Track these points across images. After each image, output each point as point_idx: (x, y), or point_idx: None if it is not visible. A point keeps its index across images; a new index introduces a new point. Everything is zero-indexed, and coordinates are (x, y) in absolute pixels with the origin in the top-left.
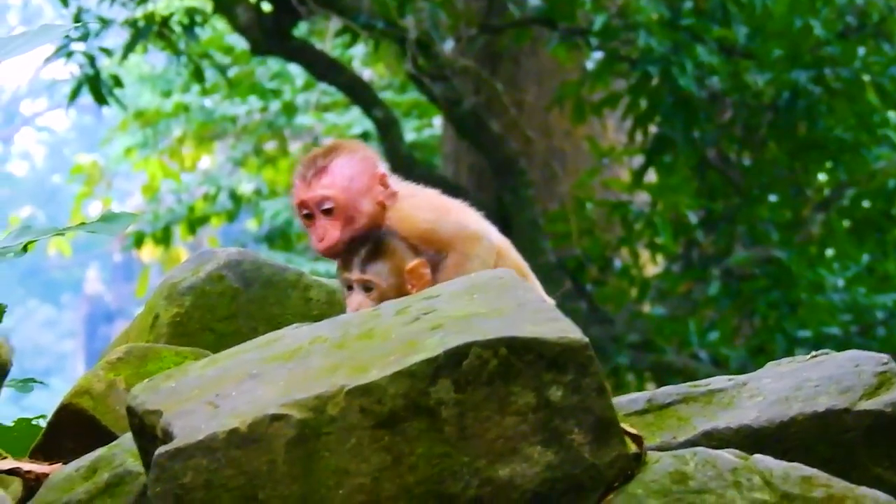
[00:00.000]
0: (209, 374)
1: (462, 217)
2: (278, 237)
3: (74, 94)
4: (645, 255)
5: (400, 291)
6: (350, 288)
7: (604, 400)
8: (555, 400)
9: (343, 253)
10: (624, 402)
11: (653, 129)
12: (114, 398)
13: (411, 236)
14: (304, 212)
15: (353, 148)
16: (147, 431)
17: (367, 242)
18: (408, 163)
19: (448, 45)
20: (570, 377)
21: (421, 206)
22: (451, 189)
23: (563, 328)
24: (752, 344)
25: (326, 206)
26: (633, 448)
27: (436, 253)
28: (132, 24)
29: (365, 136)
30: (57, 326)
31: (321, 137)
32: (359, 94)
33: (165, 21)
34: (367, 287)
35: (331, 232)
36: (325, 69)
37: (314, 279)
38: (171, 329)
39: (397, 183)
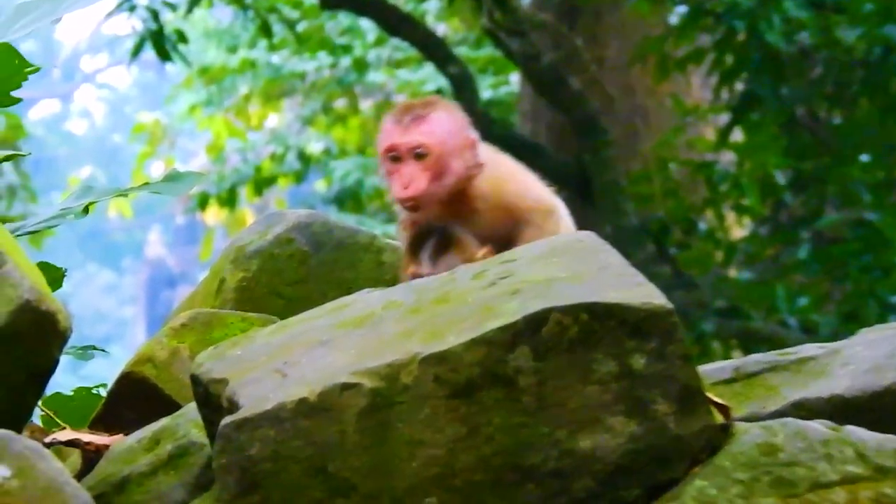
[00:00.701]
0: (277, 342)
1: (540, 189)
2: (349, 199)
3: (137, 49)
4: (731, 217)
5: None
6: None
7: (689, 368)
8: (638, 368)
9: (423, 208)
10: (710, 370)
11: (739, 85)
12: (177, 366)
13: (498, 206)
14: (392, 155)
15: (450, 107)
16: (212, 401)
17: (433, 235)
18: (484, 121)
19: None
20: (654, 344)
21: (507, 175)
22: (530, 148)
23: (646, 293)
24: (844, 310)
25: (420, 151)
26: (719, 419)
27: (512, 226)
28: None
29: (439, 94)
30: (117, 292)
31: (393, 95)
32: (432, 49)
33: None
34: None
35: (419, 180)
36: (397, 23)
37: (387, 242)
38: (237, 294)
39: (483, 150)
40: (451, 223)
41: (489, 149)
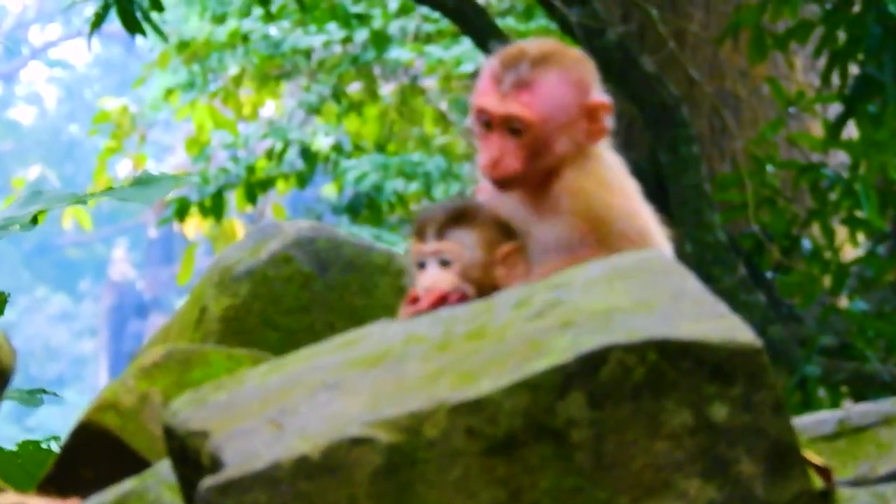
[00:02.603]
0: (272, 384)
1: (644, 216)
2: (364, 207)
3: (99, 19)
4: (842, 232)
5: (485, 274)
6: (422, 267)
7: (781, 420)
8: (718, 419)
9: (512, 187)
10: (809, 423)
11: (854, 68)
12: (147, 415)
13: (584, 212)
14: (484, 119)
15: (570, 63)
16: (190, 458)
17: (448, 205)
18: None
19: None
20: (739, 390)
21: (609, 180)
22: None
23: (730, 327)
24: None
25: (516, 126)
26: (818, 483)
27: (593, 246)
28: None
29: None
30: (73, 321)
31: (420, 77)
32: (470, 21)
33: None
34: (443, 261)
35: (510, 159)
36: None
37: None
38: (222, 325)
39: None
40: (525, 215)
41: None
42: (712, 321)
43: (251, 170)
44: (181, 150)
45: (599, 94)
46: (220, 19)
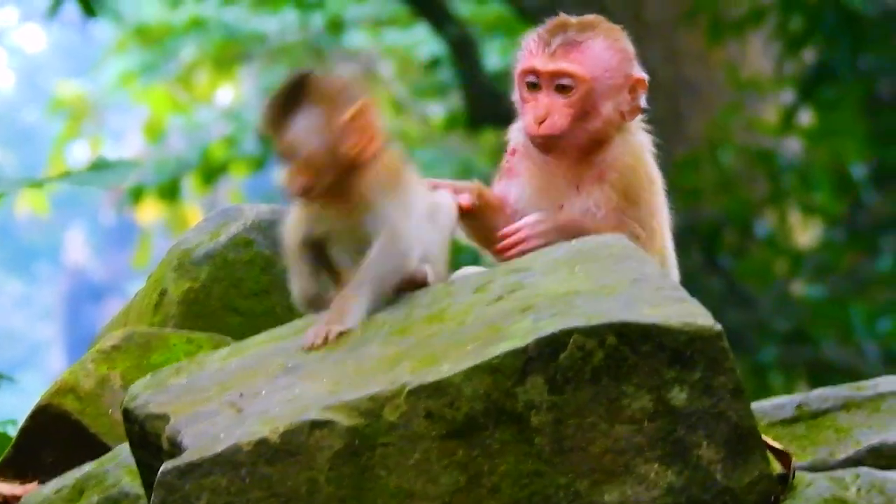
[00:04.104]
0: (232, 368)
1: (663, 221)
2: None
3: (56, 4)
4: (797, 218)
5: (336, 154)
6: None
7: (741, 405)
8: (678, 404)
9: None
10: (768, 408)
11: (809, 55)
12: (107, 398)
13: (616, 182)
14: (530, 80)
15: (616, 32)
16: (150, 441)
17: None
18: (490, 96)
19: None
20: (699, 375)
21: (649, 162)
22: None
23: (690, 311)
24: None
25: (565, 82)
26: (777, 467)
27: (607, 220)
28: None
29: (434, 63)
30: (29, 306)
31: (376, 62)
32: (426, 5)
33: None
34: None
35: (558, 116)
36: None
37: None
38: (182, 309)
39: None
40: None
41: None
42: (672, 305)
43: (207, 154)
44: (138, 135)
45: (640, 71)
46: (176, 4)
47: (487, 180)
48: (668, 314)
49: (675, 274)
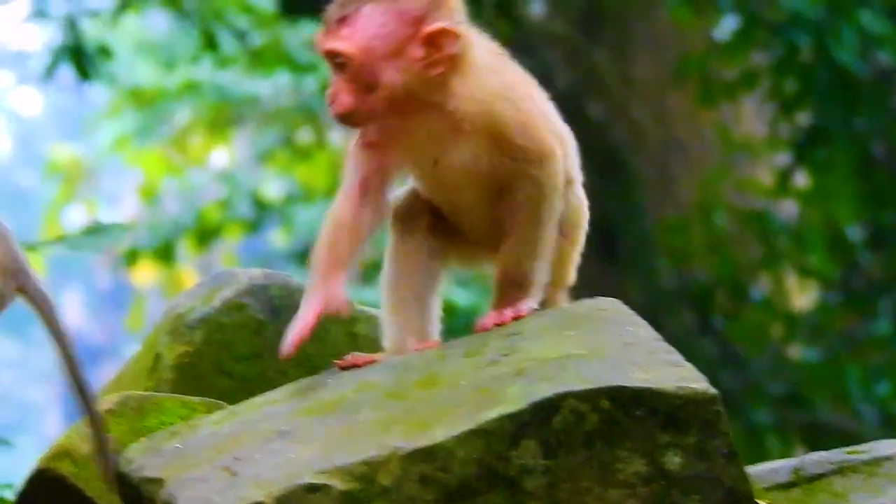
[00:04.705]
0: (225, 432)
1: (546, 125)
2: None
3: (51, 67)
4: (792, 280)
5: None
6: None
7: (736, 469)
8: (672, 468)
9: (366, 123)
10: (763, 472)
11: (803, 117)
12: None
13: (487, 133)
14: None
15: None
16: None
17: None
18: None
19: (536, 6)
20: (693, 439)
21: (509, 94)
22: None
23: (683, 375)
24: None
25: (339, 61)
26: None
27: (506, 170)
28: None
29: None
30: (24, 368)
31: None
32: None
33: None
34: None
35: (342, 95)
36: None
37: (361, 310)
38: (176, 373)
39: (479, 45)
40: (426, 149)
41: (499, 53)
42: (665, 369)
43: (202, 217)
44: (132, 198)
45: (446, 22)
46: (170, 67)
47: None
48: (662, 378)
49: (572, 145)
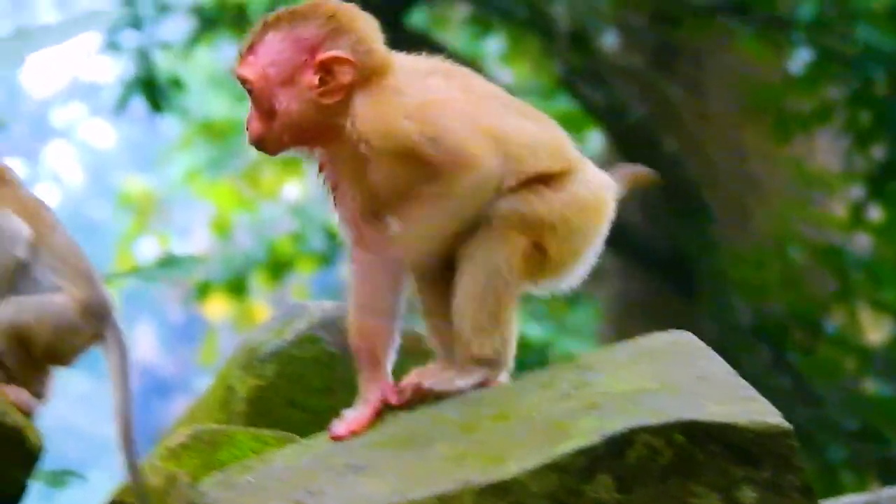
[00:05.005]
0: (299, 465)
1: (464, 133)
2: None
3: (123, 100)
4: (866, 315)
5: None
6: None
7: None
8: (747, 503)
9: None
10: None
11: (877, 149)
12: (175, 496)
13: (384, 148)
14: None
15: (298, 21)
16: None
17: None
18: None
19: (610, 39)
20: (767, 473)
21: (416, 108)
22: (613, 227)
23: (758, 409)
24: None
25: (247, 87)
26: None
27: (416, 174)
28: (199, 10)
29: None
30: (95, 402)
31: None
32: None
33: (242, 7)
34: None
35: (252, 122)
36: None
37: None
38: (249, 406)
39: (393, 67)
40: (348, 173)
41: (420, 72)
42: (740, 403)
43: (274, 251)
44: (204, 231)
45: (338, 51)
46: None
47: None
48: (736, 412)
49: (526, 131)
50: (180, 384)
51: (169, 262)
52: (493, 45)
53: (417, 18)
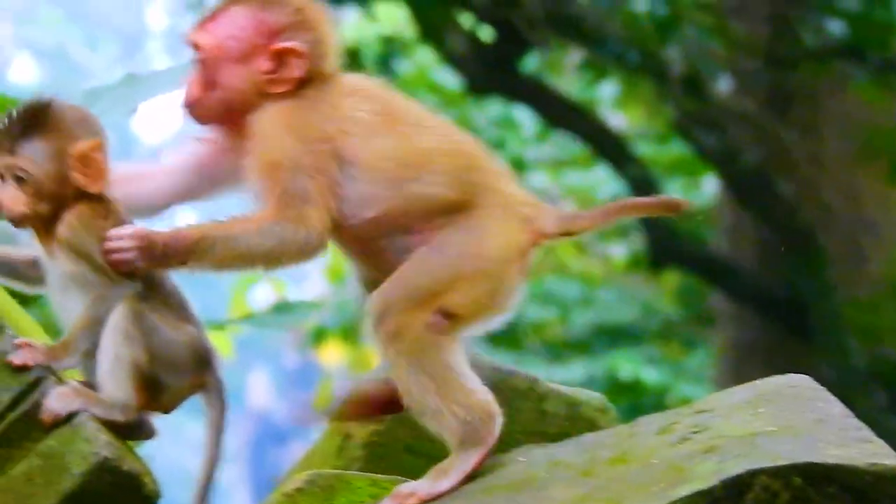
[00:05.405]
0: None
1: (325, 181)
2: (503, 332)
3: None
4: None
5: (61, 185)
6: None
7: None
8: None
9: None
10: None
11: None
12: None
13: (258, 155)
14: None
15: (265, 3)
16: None
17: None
18: (671, 236)
19: (724, 84)
20: None
21: (305, 129)
22: (728, 269)
23: (875, 451)
24: None
25: (197, 54)
26: None
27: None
28: None
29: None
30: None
31: (558, 201)
32: (607, 146)
33: (355, 52)
34: (17, 177)
35: (192, 87)
36: (562, 114)
37: (551, 387)
38: (366, 451)
39: (327, 84)
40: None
41: (345, 94)
42: (857, 445)
43: None
44: (319, 277)
45: (297, 43)
46: None
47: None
48: (854, 454)
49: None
50: (296, 430)
51: (284, 308)
52: (607, 90)
53: (531, 64)
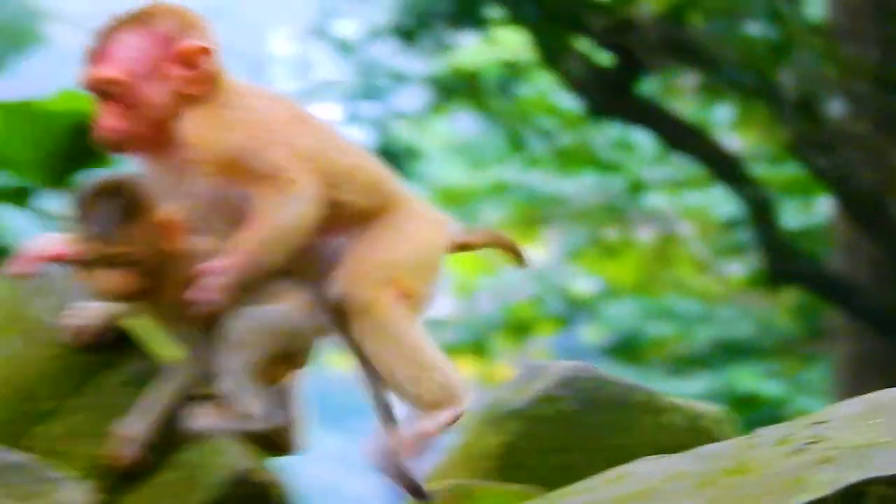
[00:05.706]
0: None
1: (283, 149)
2: (624, 348)
3: None
4: None
5: (154, 255)
6: (92, 264)
7: None
8: None
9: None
10: None
11: None
12: None
13: (205, 158)
14: (91, 92)
15: (150, 19)
16: None
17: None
18: (788, 255)
19: (836, 106)
20: None
21: (234, 119)
22: (844, 288)
23: None
24: None
25: (106, 89)
26: None
27: (231, 192)
28: (434, 80)
29: (732, 223)
30: (345, 461)
31: (676, 222)
32: (723, 167)
33: (475, 76)
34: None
35: (110, 119)
36: (679, 136)
37: (669, 401)
38: (494, 462)
39: (226, 85)
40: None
41: (246, 94)
42: None
43: (513, 314)
44: (449, 295)
45: (198, 41)
46: (479, 166)
47: (788, 339)
48: None
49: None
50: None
51: None
52: (722, 113)
53: (647, 87)
